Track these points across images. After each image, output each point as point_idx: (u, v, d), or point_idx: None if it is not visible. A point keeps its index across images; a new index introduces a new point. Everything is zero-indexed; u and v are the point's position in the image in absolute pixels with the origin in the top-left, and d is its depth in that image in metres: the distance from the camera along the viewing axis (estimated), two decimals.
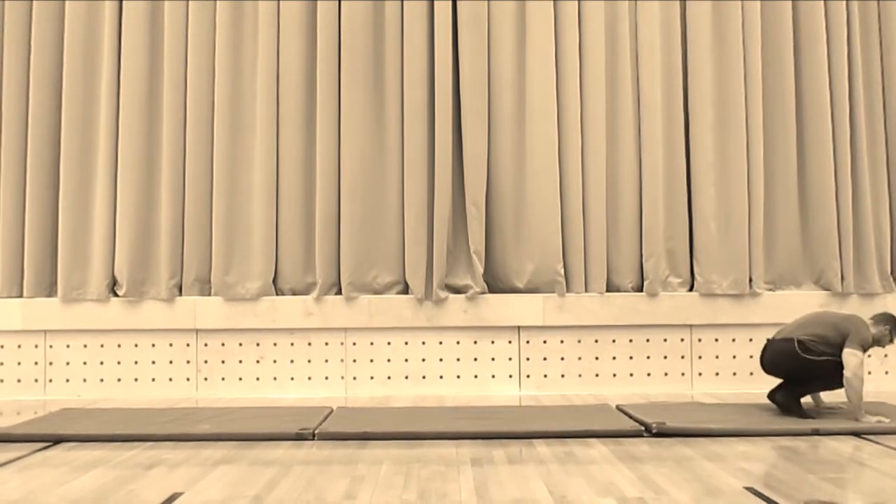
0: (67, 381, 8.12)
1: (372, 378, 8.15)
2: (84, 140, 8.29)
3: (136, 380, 8.13)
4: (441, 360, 8.17)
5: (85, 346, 8.16)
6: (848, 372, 6.07)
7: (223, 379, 8.14)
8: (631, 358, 8.16)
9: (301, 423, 6.06)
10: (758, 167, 8.27)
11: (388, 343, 8.17)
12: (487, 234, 8.28)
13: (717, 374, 8.16)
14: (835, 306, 8.06)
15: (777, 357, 6.48)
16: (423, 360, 8.16)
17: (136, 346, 8.15)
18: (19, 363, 8.15)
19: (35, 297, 8.23)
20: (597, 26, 8.32)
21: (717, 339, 8.19)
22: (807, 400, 6.50)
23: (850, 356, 6.11)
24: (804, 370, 6.30)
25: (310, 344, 8.17)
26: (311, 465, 5.05)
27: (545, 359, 8.17)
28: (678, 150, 8.36)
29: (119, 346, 8.16)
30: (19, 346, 8.16)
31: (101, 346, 8.16)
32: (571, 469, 4.87)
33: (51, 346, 8.17)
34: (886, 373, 8.16)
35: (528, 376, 8.15)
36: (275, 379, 8.13)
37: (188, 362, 8.16)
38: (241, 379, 8.13)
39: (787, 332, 6.52)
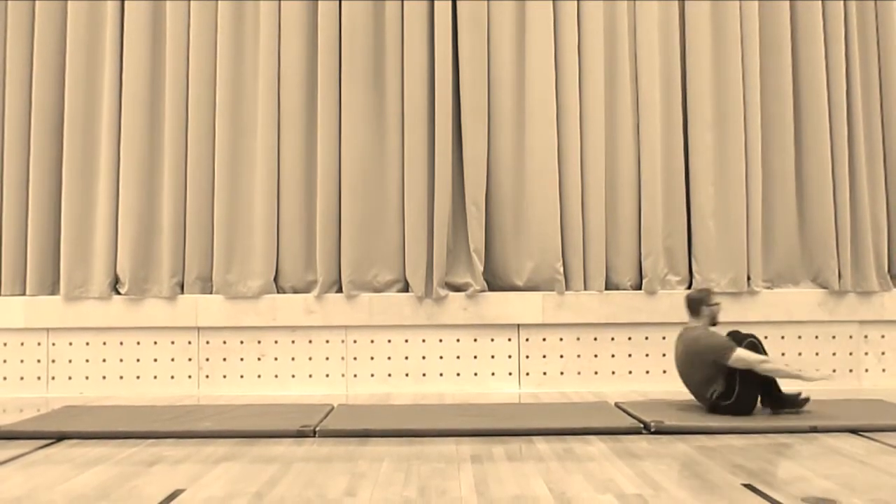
0: (70, 378, 8.16)
1: (372, 376, 8.19)
2: (86, 139, 8.32)
3: (138, 377, 8.16)
4: (441, 357, 8.20)
5: (87, 343, 8.19)
6: (756, 367, 6.10)
7: (225, 376, 8.18)
8: (630, 355, 8.19)
9: (302, 421, 6.08)
10: (756, 166, 8.29)
11: (389, 341, 8.21)
12: (487, 232, 8.30)
13: None
14: (832, 304, 8.15)
15: (720, 412, 6.28)
16: (424, 357, 8.19)
17: (138, 343, 8.19)
18: (22, 361, 8.18)
19: (38, 295, 8.26)
20: (596, 26, 8.35)
21: None
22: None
23: (738, 362, 6.12)
24: (733, 400, 6.18)
25: (311, 342, 8.20)
26: (312, 462, 5.08)
27: (544, 356, 8.19)
28: (677, 149, 8.38)
29: (121, 343, 8.20)
30: (22, 344, 8.20)
31: (104, 343, 8.19)
32: (570, 466, 4.89)
33: (53, 344, 8.21)
34: (884, 370, 8.19)
35: (527, 374, 8.18)
36: (276, 376, 8.17)
37: (190, 360, 8.20)
38: (242, 376, 8.17)
39: (693, 393, 6.53)
